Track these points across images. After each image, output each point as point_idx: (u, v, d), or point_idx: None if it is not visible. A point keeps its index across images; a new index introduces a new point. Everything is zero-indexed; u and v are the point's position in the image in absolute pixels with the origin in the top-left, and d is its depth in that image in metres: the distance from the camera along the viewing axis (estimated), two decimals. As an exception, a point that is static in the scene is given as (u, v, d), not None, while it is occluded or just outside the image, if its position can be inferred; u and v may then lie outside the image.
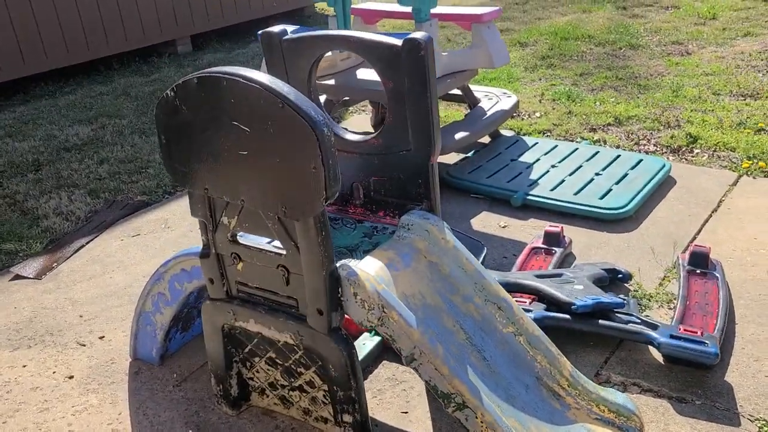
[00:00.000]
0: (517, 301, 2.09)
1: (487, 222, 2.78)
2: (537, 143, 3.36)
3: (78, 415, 1.90)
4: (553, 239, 2.47)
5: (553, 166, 3.09)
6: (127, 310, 2.35)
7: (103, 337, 2.24)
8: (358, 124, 3.92)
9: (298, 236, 1.47)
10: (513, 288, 2.12)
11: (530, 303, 2.06)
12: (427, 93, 1.62)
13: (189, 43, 6.16)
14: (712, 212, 2.73)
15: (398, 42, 1.60)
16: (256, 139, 1.38)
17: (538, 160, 3.17)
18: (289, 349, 1.65)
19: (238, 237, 1.61)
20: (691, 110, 3.77)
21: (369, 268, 1.59)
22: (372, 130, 3.76)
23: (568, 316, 1.97)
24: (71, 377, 2.06)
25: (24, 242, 2.90)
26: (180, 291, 1.88)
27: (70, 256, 2.76)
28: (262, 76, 1.35)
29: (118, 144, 3.93)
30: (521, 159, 3.19)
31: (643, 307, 2.15)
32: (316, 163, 1.33)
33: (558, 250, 2.44)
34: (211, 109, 1.41)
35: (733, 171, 3.06)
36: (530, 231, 2.69)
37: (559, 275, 2.20)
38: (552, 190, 2.87)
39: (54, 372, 2.09)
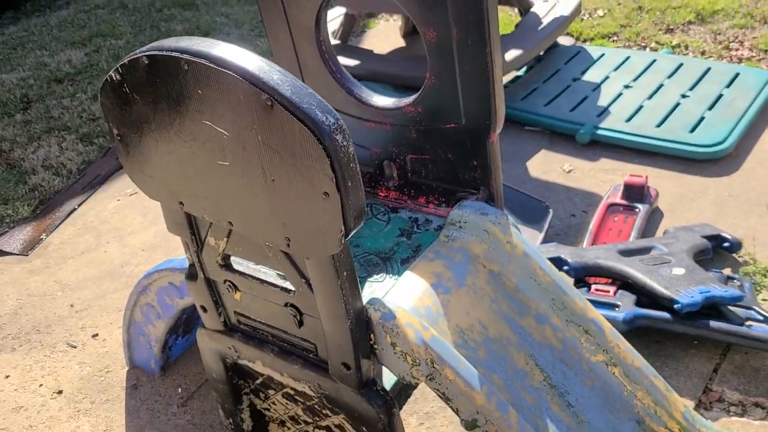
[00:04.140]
0: (597, 290, 1.66)
1: (547, 165, 2.29)
2: (604, 54, 2.77)
3: (67, 448, 1.59)
4: (635, 193, 1.98)
5: (626, 87, 2.53)
6: (123, 297, 1.97)
7: (97, 335, 1.90)
8: (385, 34, 3.35)
9: (310, 274, 1.04)
10: (592, 271, 1.68)
11: (614, 293, 1.63)
12: (486, 47, 1.11)
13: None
14: (834, 143, 2.19)
15: (443, -28, 1.08)
16: (240, 149, 0.93)
17: (606, 78, 2.60)
18: (309, 397, 1.27)
19: (231, 261, 1.18)
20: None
21: (410, 299, 1.16)
22: (402, 42, 3.19)
23: (668, 315, 1.54)
24: (60, 392, 1.73)
25: (10, 205, 2.52)
26: (171, 306, 1.49)
27: (59, 224, 2.38)
28: (237, 56, 0.87)
29: (115, 71, 3.45)
30: (586, 77, 2.63)
31: (759, 288, 1.70)
32: (327, 187, 0.88)
33: (642, 208, 1.96)
34: (173, 101, 0.95)
35: None
36: (602, 177, 2.20)
37: (649, 249, 1.74)
38: (628, 120, 2.34)
39: (41, 385, 1.77)
